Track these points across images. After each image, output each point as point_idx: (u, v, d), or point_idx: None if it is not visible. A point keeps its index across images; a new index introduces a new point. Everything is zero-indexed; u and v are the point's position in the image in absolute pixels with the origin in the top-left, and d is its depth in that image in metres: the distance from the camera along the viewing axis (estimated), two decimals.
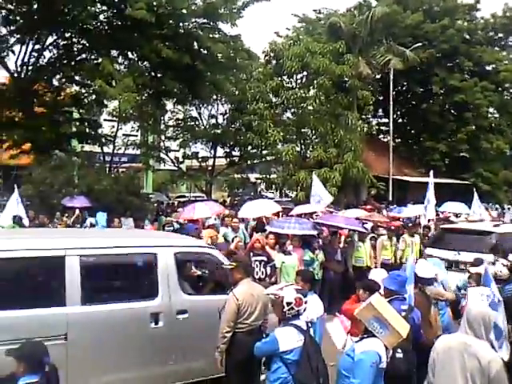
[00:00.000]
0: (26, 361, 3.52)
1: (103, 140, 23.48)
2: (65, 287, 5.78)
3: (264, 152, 26.02)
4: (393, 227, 13.95)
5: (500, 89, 36.50)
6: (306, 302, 5.16)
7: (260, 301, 5.98)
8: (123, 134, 25.93)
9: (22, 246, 5.82)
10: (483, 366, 4.05)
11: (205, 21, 20.72)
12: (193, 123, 26.68)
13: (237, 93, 24.50)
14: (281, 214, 14.76)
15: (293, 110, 26.20)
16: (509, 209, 25.18)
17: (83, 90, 22.29)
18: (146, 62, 20.64)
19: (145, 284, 6.64)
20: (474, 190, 19.66)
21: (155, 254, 6.52)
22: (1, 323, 5.33)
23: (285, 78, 26.39)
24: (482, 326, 4.20)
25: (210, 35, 20.73)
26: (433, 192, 15.18)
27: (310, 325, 5.22)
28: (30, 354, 3.61)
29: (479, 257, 9.04)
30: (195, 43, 20.37)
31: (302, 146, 25.95)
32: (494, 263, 7.78)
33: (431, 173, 15.43)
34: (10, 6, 19.59)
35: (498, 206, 27.56)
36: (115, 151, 24.11)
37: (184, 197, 32.55)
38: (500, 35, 37.55)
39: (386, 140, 35.56)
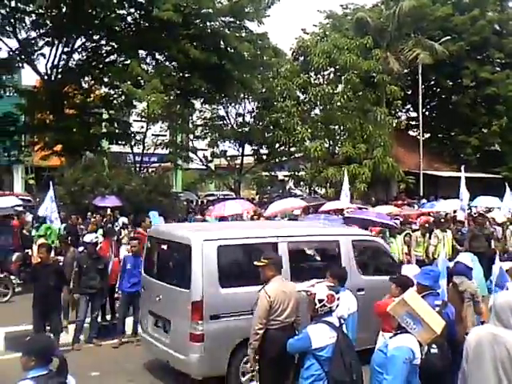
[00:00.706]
0: (36, 355, 3.63)
1: (133, 140, 23.74)
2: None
3: (292, 149, 25.98)
4: (427, 224, 13.77)
5: None
6: (338, 299, 5.13)
7: (292, 298, 5.96)
8: (152, 134, 26.20)
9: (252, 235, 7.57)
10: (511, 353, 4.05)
11: (231, 20, 20.80)
12: (220, 122, 26.77)
13: (264, 91, 24.51)
14: (310, 210, 14.74)
15: (321, 107, 26.07)
16: None
17: (112, 92, 22.58)
18: (173, 63, 20.80)
19: (333, 265, 7.18)
20: (506, 184, 19.26)
21: (338, 241, 7.88)
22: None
23: (312, 74, 26.32)
24: (510, 316, 4.14)
25: (237, 34, 20.83)
26: (465, 187, 14.91)
27: (342, 321, 5.18)
28: (40, 347, 3.71)
29: None
30: (222, 42, 20.48)
31: (331, 143, 25.83)
32: None
33: (462, 168, 15.17)
34: (39, 10, 19.95)
35: None
36: (145, 151, 24.38)
37: (213, 195, 32.71)
38: None
39: (415, 135, 35.14)
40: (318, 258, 8.44)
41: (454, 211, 16.37)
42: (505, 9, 35.88)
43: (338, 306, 5.13)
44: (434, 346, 5.18)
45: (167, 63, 21.25)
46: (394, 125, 26.27)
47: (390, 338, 4.50)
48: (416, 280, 6.01)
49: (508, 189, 18.41)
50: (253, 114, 26.51)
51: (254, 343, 5.84)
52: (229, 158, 27.90)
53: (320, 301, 4.99)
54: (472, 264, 7.56)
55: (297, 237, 7.92)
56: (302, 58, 26.47)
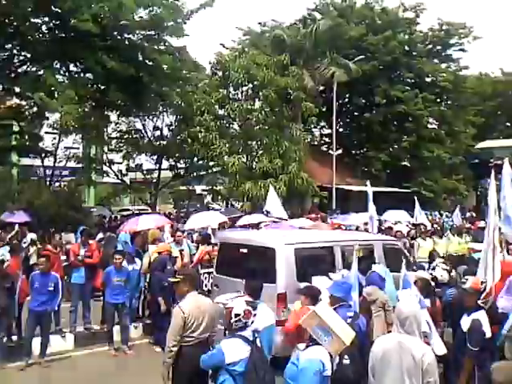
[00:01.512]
0: None
1: (43, 153, 22.82)
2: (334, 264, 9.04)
3: (210, 163, 25.91)
4: None
5: (439, 100, 37.90)
6: (254, 315, 5.14)
7: (207, 313, 5.91)
8: (64, 147, 25.29)
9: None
10: (417, 361, 4.30)
11: (150, 33, 20.55)
12: (137, 135, 26.28)
13: (182, 104, 24.33)
14: (226, 225, 14.72)
15: (239, 122, 26.27)
16: (447, 216, 25.83)
17: (24, 103, 21.62)
18: (89, 74, 20.24)
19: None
20: (415, 198, 20.19)
21: (372, 245, 9.92)
22: None
23: (231, 89, 26.44)
24: (412, 323, 4.42)
25: (156, 47, 20.57)
26: (371, 202, 15.19)
27: (255, 335, 5.19)
28: None
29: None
30: (140, 55, 20.16)
31: (248, 157, 26.01)
32: (434, 268, 7.99)
33: (368, 182, 15.67)
34: None
35: (437, 213, 28.35)
36: (56, 164, 23.47)
37: (127, 210, 32.01)
38: (438, 48, 38.99)
39: (329, 150, 36.16)
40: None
41: (365, 223, 16.92)
42: (414, 31, 37.91)
43: (253, 322, 5.15)
44: (346, 356, 5.31)
45: (83, 74, 20.65)
46: (309, 141, 26.84)
47: (302, 350, 4.56)
48: (329, 292, 6.14)
49: (417, 202, 19.32)
50: (171, 128, 26.26)
51: (168, 360, 5.74)
52: (145, 172, 27.45)
53: (236, 315, 5.00)
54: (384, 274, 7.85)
55: (345, 241, 9.63)
56: (220, 73, 26.57)
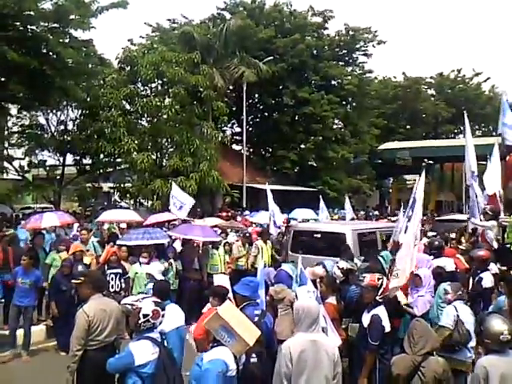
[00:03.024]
0: None
1: None
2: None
3: (118, 160, 25.28)
4: (248, 234, 14.34)
5: (344, 102, 39.26)
6: (163, 316, 5.11)
7: (113, 316, 5.80)
8: None
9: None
10: (330, 356, 4.58)
11: (55, 25, 19.75)
12: (39, 130, 25.12)
13: (88, 99, 23.56)
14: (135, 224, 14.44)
15: (148, 119, 25.84)
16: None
17: None
18: None
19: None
20: (321, 196, 20.87)
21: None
22: None
23: (139, 85, 25.95)
24: (313, 319, 4.66)
25: (60, 40, 19.80)
26: (271, 200, 15.45)
27: (163, 336, 5.17)
28: None
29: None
30: (44, 47, 19.32)
31: (158, 155, 25.66)
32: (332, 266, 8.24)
33: (268, 186, 15.94)
34: None
35: (342, 210, 29.29)
36: None
37: (30, 208, 30.57)
38: (344, 51, 40.36)
39: (240, 149, 36.47)
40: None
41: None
42: (321, 35, 39.01)
43: (161, 322, 5.12)
44: (253, 355, 5.39)
45: None
46: (220, 139, 26.91)
47: (206, 351, 4.61)
48: (236, 291, 6.21)
49: (322, 201, 19.94)
50: (76, 123, 25.33)
51: (73, 365, 5.58)
52: (48, 168, 26.32)
53: (145, 316, 4.94)
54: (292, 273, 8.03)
55: (382, 228, 13.10)
56: (128, 69, 25.97)
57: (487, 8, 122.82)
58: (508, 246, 10.26)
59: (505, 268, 9.05)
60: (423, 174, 7.48)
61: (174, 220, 14.80)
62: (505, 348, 4.56)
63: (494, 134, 17.57)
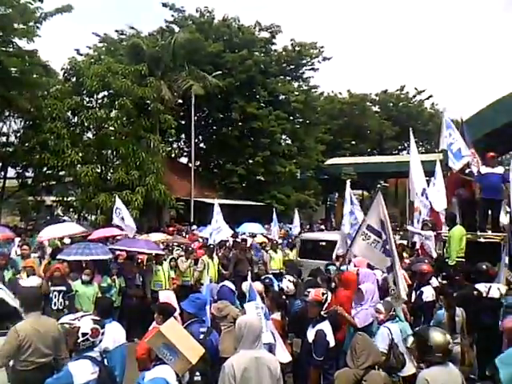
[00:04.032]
0: None
1: None
2: None
3: (61, 173, 24.66)
4: (190, 248, 14.25)
5: (291, 118, 39.75)
6: (102, 334, 4.98)
7: (49, 336, 5.60)
8: None
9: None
10: (273, 373, 4.56)
11: None
12: None
13: (32, 110, 22.95)
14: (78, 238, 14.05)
15: (93, 131, 25.38)
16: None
17: None
18: None
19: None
20: (274, 210, 21.07)
21: None
22: None
23: (85, 97, 25.47)
24: (256, 335, 4.63)
25: (3, 48, 19.28)
26: (219, 215, 15.32)
27: (104, 355, 5.03)
28: None
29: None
30: None
31: (103, 168, 25.17)
32: (281, 279, 8.26)
33: (216, 201, 15.92)
34: None
35: (287, 225, 29.50)
36: None
37: None
38: (291, 67, 40.91)
39: (188, 163, 36.29)
40: None
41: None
42: (269, 51, 39.46)
43: (101, 340, 4.98)
44: (197, 373, 5.32)
45: None
46: (168, 153, 26.70)
47: (149, 370, 4.52)
48: (182, 307, 6.13)
49: (275, 215, 20.08)
50: (18, 134, 24.61)
51: None
52: None
53: (83, 334, 4.80)
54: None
55: None
56: (74, 79, 25.48)
57: (430, 27, 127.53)
58: (447, 259, 10.55)
59: (444, 282, 9.31)
60: (379, 194, 7.49)
61: (119, 235, 14.52)
62: (444, 360, 4.66)
63: (437, 150, 18.18)
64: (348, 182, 13.81)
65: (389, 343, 6.22)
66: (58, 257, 10.68)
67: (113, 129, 24.31)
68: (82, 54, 30.99)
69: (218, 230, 14.29)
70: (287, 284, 7.75)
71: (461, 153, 12.17)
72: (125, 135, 24.74)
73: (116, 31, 36.34)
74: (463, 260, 10.28)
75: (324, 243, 15.55)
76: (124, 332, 6.39)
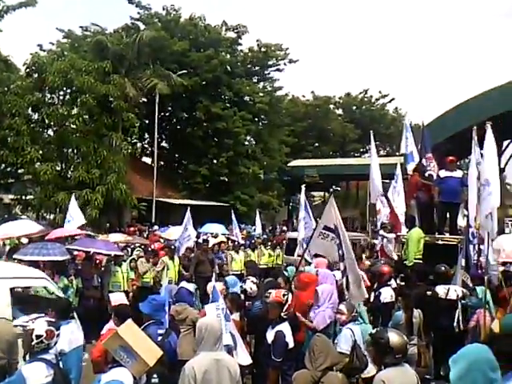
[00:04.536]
0: None
1: None
2: None
3: (20, 171, 24.14)
4: (150, 249, 14.12)
5: (256, 119, 39.82)
6: (58, 335, 4.87)
7: (3, 339, 5.47)
8: None
9: None
10: (233, 375, 4.60)
11: None
12: None
13: None
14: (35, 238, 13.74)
15: (54, 128, 24.90)
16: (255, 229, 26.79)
17: None
18: None
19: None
20: (232, 211, 21.00)
21: None
22: None
23: (47, 93, 24.98)
24: (216, 337, 4.65)
25: None
26: (189, 222, 15.20)
27: (59, 357, 4.93)
28: None
29: None
30: None
31: (63, 166, 24.74)
32: (244, 281, 8.25)
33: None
34: None
35: (248, 226, 29.51)
36: None
37: None
38: (257, 68, 40.98)
39: (151, 163, 35.97)
40: None
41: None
42: (235, 51, 39.42)
43: (56, 342, 4.88)
44: (154, 375, 5.27)
45: None
46: (130, 152, 26.38)
47: (105, 372, 4.46)
48: (140, 308, 6.06)
49: (234, 216, 20.04)
50: None
51: None
52: None
53: (38, 336, 4.70)
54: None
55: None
56: (36, 75, 24.95)
57: (393, 31, 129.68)
58: (405, 261, 10.73)
59: (403, 283, 9.46)
60: (331, 199, 7.55)
61: (78, 235, 14.26)
62: (400, 361, 4.73)
63: (397, 153, 18.58)
64: (303, 187, 13.87)
65: (352, 344, 6.26)
66: (15, 256, 10.44)
67: (74, 126, 23.94)
68: (45, 50, 30.55)
69: (188, 238, 14.24)
70: (250, 285, 7.73)
71: (413, 156, 12.46)
72: (86, 133, 24.40)
73: (80, 27, 35.88)
74: (421, 262, 10.47)
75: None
76: (82, 334, 6.28)
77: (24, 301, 7.41)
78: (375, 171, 13.32)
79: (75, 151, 24.93)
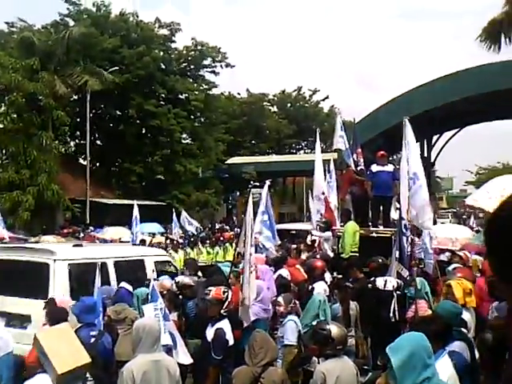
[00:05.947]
0: None
1: None
2: None
3: None
4: None
5: (192, 116, 39.51)
6: None
7: None
8: None
9: None
10: (172, 375, 4.58)
11: None
12: None
13: None
14: None
15: None
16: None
17: None
18: None
19: None
20: (173, 210, 20.84)
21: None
22: None
23: None
24: (154, 338, 4.59)
25: None
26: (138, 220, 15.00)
27: None
28: None
29: None
30: None
31: None
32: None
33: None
34: None
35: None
36: None
37: None
38: (192, 67, 40.64)
39: (83, 162, 35.01)
40: None
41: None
42: (169, 49, 38.95)
43: None
44: (89, 378, 5.14)
45: None
46: (62, 151, 25.66)
47: (30, 377, 4.32)
48: (72, 311, 5.90)
49: (174, 215, 19.86)
50: None
51: None
52: None
53: None
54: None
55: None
56: None
57: (327, 29, 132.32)
58: (341, 254, 10.91)
59: (340, 276, 9.61)
60: (250, 197, 7.68)
61: (3, 238, 13.71)
62: (340, 352, 4.81)
63: (329, 150, 18.94)
64: (267, 182, 13.53)
65: (297, 335, 6.37)
66: None
67: (2, 126, 23.08)
68: None
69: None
70: (181, 278, 7.73)
71: (349, 151, 12.76)
72: (15, 132, 23.58)
73: (6, 23, 34.43)
74: (357, 254, 10.68)
75: (294, 232, 18.07)
76: (11, 340, 6.00)
77: None
78: (319, 168, 13.39)
79: (3, 151, 24.09)
